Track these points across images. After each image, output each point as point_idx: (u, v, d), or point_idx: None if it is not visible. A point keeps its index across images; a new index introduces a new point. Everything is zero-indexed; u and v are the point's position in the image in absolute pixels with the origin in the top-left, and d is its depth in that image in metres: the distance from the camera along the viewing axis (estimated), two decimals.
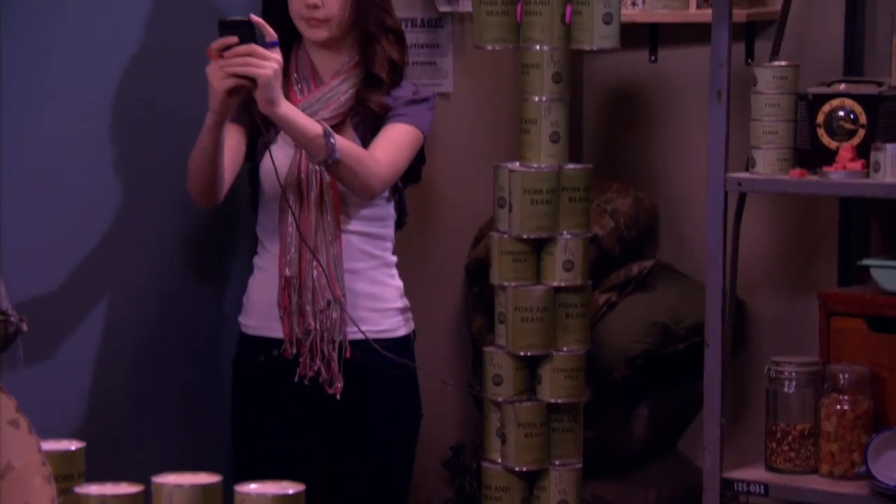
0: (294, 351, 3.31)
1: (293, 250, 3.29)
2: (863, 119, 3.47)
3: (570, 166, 3.51)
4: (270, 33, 3.12)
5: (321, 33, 3.31)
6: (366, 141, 3.32)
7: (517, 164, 3.50)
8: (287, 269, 3.29)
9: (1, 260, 3.04)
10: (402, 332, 3.41)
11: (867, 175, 3.42)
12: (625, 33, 3.50)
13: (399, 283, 3.43)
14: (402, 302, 3.43)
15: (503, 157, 3.58)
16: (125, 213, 3.37)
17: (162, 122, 3.44)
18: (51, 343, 3.25)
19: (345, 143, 3.22)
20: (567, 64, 3.47)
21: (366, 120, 3.33)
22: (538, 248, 3.50)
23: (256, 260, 3.42)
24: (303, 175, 3.29)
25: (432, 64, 3.53)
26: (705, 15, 3.71)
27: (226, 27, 3.06)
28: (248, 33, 3.04)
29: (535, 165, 3.48)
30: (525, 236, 3.48)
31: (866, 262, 3.63)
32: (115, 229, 3.35)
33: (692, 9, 3.98)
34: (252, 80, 3.06)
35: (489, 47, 3.47)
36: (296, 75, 3.34)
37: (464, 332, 4.05)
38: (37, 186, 3.21)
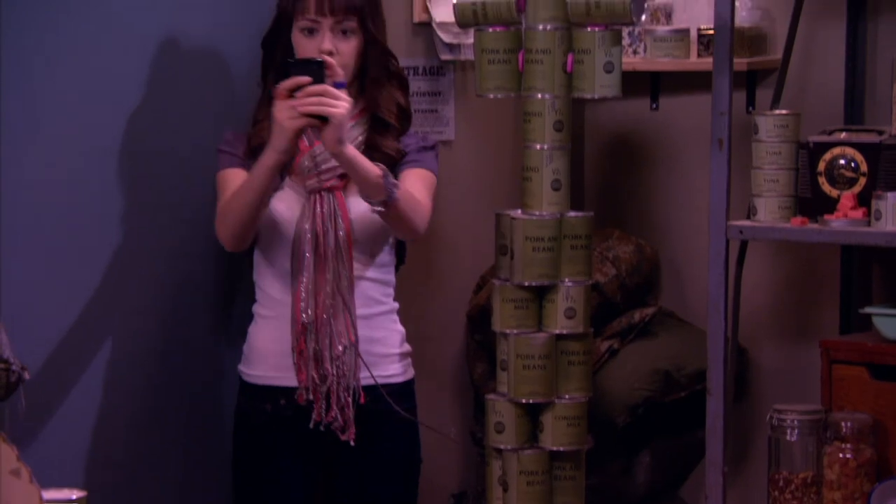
0: (310, 397, 3.29)
1: (309, 297, 3.27)
2: (864, 167, 3.48)
3: (572, 214, 3.51)
4: (339, 73, 3.13)
5: (331, 81, 3.28)
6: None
7: (519, 211, 3.51)
8: (304, 315, 3.27)
9: (2, 308, 3.04)
10: (405, 377, 3.42)
11: (868, 223, 3.43)
12: (626, 81, 3.51)
13: (402, 328, 3.44)
14: (405, 347, 3.44)
15: (505, 205, 3.58)
16: (123, 262, 3.37)
17: (161, 170, 3.46)
18: (52, 392, 3.25)
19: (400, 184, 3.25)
20: (568, 112, 3.49)
21: None
22: (540, 295, 3.50)
23: (258, 308, 3.41)
24: (318, 221, 3.28)
25: (434, 112, 3.55)
26: (706, 63, 3.72)
27: (295, 67, 3.07)
28: (319, 73, 3.06)
29: (537, 213, 3.48)
30: (527, 283, 3.48)
31: (868, 310, 3.63)
32: (113, 278, 3.36)
33: (693, 57, 3.99)
34: (321, 120, 3.07)
35: (491, 95, 3.48)
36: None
37: (465, 378, 4.05)
38: (37, 236, 3.22)
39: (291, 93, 3.09)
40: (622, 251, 4.04)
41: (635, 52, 4.07)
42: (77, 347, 3.30)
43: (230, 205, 3.23)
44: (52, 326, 3.27)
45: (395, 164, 3.35)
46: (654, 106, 4.17)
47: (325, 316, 3.27)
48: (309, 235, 3.27)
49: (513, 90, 3.50)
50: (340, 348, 3.27)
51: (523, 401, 3.47)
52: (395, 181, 3.22)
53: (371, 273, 3.35)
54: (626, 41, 4.06)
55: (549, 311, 3.50)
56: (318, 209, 3.27)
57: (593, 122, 4.26)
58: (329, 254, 3.28)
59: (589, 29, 3.44)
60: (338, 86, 3.12)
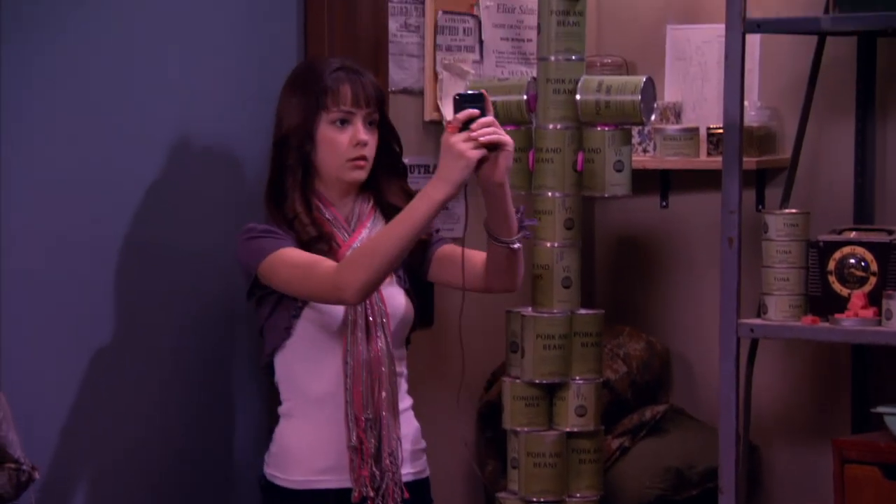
0: (370, 495, 3.20)
1: (368, 392, 3.20)
2: (874, 267, 3.49)
3: (583, 311, 3.52)
4: (490, 108, 3.12)
5: (363, 174, 3.27)
6: (411, 266, 3.30)
7: (529, 308, 3.51)
8: (366, 411, 3.19)
9: (13, 409, 3.04)
10: (426, 473, 3.37)
11: (879, 322, 3.43)
12: (636, 179, 3.53)
13: (417, 424, 3.40)
14: (423, 443, 3.39)
15: (516, 302, 3.59)
16: (124, 358, 3.38)
17: (169, 265, 3.47)
18: (61, 493, 3.24)
19: None
20: (579, 210, 3.50)
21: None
22: (551, 392, 3.50)
23: (290, 409, 3.27)
24: (368, 316, 3.22)
25: (445, 209, 3.55)
26: (716, 162, 3.74)
27: (464, 101, 3.08)
28: (483, 105, 3.07)
29: (548, 310, 3.49)
30: (538, 381, 3.48)
31: (880, 409, 3.63)
32: (118, 374, 3.36)
33: (702, 156, 4.01)
34: (489, 151, 3.06)
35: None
36: (329, 220, 3.26)
37: (476, 476, 4.03)
38: (40, 328, 3.23)
39: (464, 126, 3.07)
40: (633, 348, 4.04)
41: (645, 151, 4.10)
42: (84, 446, 3.30)
43: (374, 247, 3.09)
44: (59, 425, 3.26)
45: (425, 248, 3.31)
46: (664, 204, 4.19)
47: (384, 413, 3.22)
48: (361, 333, 3.21)
49: (523, 188, 3.52)
50: (395, 443, 3.23)
51: (534, 499, 3.46)
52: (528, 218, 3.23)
53: (399, 367, 3.31)
54: (635, 139, 4.08)
55: (560, 409, 3.49)
56: (367, 305, 3.21)
57: (604, 220, 4.27)
58: (379, 348, 3.22)
59: (599, 128, 3.47)
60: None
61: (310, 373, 3.24)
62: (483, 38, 4.01)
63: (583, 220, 3.54)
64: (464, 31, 3.97)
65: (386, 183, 3.32)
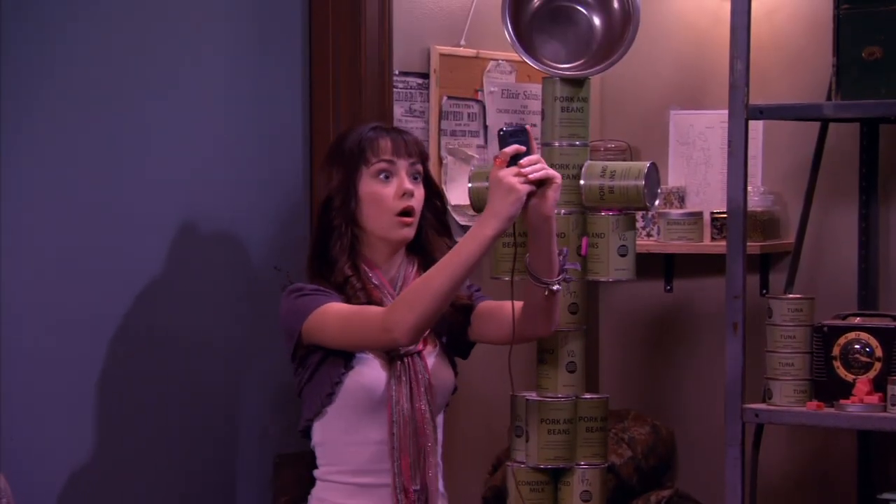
0: None
1: (415, 465, 3.14)
2: (879, 352, 3.48)
3: (587, 396, 3.51)
4: (534, 143, 3.10)
5: (411, 232, 3.21)
6: (454, 330, 3.25)
7: (534, 393, 3.51)
8: (414, 482, 3.14)
9: (1, 460, 3.04)
10: None
11: (884, 409, 3.42)
12: (640, 263, 3.54)
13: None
14: None
15: (520, 387, 3.58)
16: (126, 431, 3.38)
17: (174, 349, 3.47)
18: None
19: None
20: (584, 294, 3.51)
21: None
22: (555, 477, 3.49)
23: (326, 472, 3.19)
24: (413, 387, 3.16)
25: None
26: (720, 247, 3.75)
27: (508, 135, 3.06)
28: (529, 141, 3.06)
29: (552, 395, 3.48)
30: (542, 466, 3.47)
31: (886, 496, 3.61)
32: (117, 450, 3.36)
33: (706, 240, 4.02)
34: (536, 187, 3.03)
35: (505, 278, 3.51)
36: (376, 285, 3.19)
37: None
38: (41, 412, 3.24)
39: (511, 161, 3.03)
40: (638, 432, 4.03)
41: (649, 235, 4.11)
42: None
43: (424, 286, 3.01)
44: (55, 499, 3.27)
45: (468, 312, 3.25)
46: (669, 288, 4.19)
47: (431, 487, 3.16)
48: (406, 403, 3.14)
49: (527, 273, 3.52)
50: None
51: None
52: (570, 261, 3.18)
53: (439, 435, 3.25)
54: (639, 223, 4.09)
55: (565, 494, 3.48)
56: (411, 373, 3.16)
57: (608, 304, 4.27)
58: (425, 418, 3.16)
59: (603, 213, 3.48)
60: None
61: (351, 440, 3.17)
62: (487, 122, 4.03)
63: (587, 305, 3.54)
64: (468, 115, 4.00)
65: (432, 241, 3.24)
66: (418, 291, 3.02)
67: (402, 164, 3.18)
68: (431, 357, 3.21)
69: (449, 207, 3.90)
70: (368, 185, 3.17)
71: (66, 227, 3.27)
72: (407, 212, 3.18)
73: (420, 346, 3.18)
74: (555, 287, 3.14)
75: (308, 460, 3.25)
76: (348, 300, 3.14)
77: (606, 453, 3.53)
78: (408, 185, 3.17)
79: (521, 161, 3.04)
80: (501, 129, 3.08)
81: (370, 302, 3.14)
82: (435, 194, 3.26)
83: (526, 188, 3.02)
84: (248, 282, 3.60)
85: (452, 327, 3.26)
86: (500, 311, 3.24)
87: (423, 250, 3.24)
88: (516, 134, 3.07)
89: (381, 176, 3.17)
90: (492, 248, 3.07)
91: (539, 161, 3.05)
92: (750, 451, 3.69)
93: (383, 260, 3.20)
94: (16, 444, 3.16)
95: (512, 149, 3.04)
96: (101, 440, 3.33)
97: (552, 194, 3.06)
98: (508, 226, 3.02)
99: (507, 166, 3.03)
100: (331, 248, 3.17)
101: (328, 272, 3.17)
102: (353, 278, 3.15)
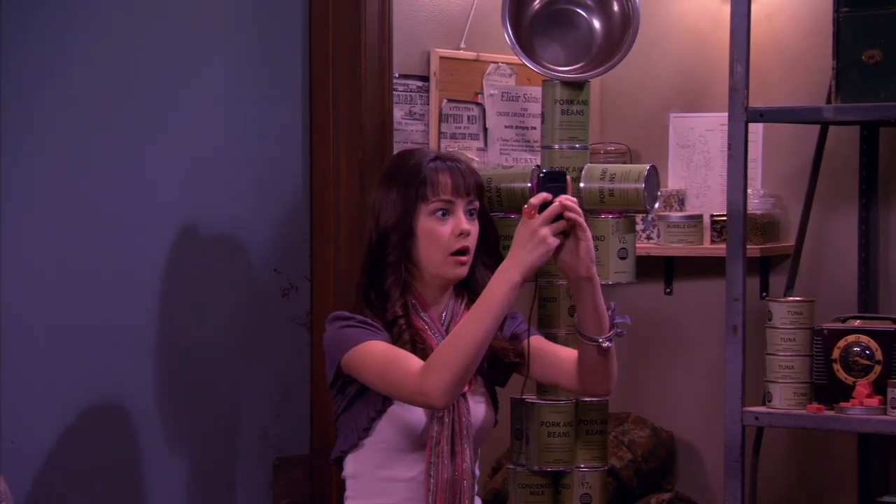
0: None
1: (450, 500, 3.04)
2: (879, 355, 3.48)
3: (587, 399, 3.51)
4: (570, 187, 2.98)
5: (465, 271, 3.13)
6: (494, 369, 3.17)
7: (534, 396, 3.51)
8: None
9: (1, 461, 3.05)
10: None
11: (884, 411, 3.42)
12: (640, 266, 3.54)
13: None
14: None
15: (521, 390, 3.57)
16: (127, 441, 3.39)
17: (177, 358, 3.47)
18: None
19: None
20: None
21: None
22: (555, 480, 3.49)
23: None
24: (455, 427, 3.06)
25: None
26: (719, 249, 3.75)
27: (548, 180, 2.93)
28: (565, 188, 2.92)
29: (553, 398, 3.48)
30: (542, 469, 3.47)
31: (886, 498, 3.61)
32: (117, 461, 3.37)
33: (706, 243, 4.02)
34: (565, 236, 2.92)
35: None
36: (426, 322, 3.12)
37: None
38: (40, 419, 3.24)
39: (540, 210, 2.89)
40: (638, 435, 4.03)
41: (649, 238, 4.11)
42: None
43: (455, 344, 2.92)
44: None
45: (515, 342, 3.16)
46: (668, 290, 4.19)
47: None
48: (446, 446, 3.05)
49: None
50: None
51: None
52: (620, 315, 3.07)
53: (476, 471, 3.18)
54: (639, 227, 4.10)
55: (565, 497, 3.48)
56: (455, 415, 3.07)
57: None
58: (465, 466, 3.06)
59: (603, 216, 3.48)
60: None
61: (384, 476, 3.09)
62: (487, 125, 4.03)
63: None
64: (468, 118, 4.00)
65: (481, 276, 3.14)
66: (451, 350, 2.93)
67: (461, 203, 3.11)
68: (476, 397, 3.13)
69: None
70: (425, 222, 3.11)
71: (66, 227, 3.28)
72: (462, 251, 3.11)
73: (466, 388, 3.10)
74: (604, 344, 3.04)
75: (307, 462, 3.25)
76: (393, 339, 3.07)
77: (606, 456, 3.53)
78: (465, 224, 3.11)
79: (546, 211, 2.89)
80: (541, 173, 2.96)
81: (414, 345, 3.06)
82: (490, 229, 3.20)
83: (555, 242, 2.90)
84: (249, 283, 3.60)
85: (493, 360, 3.16)
86: (552, 355, 3.15)
87: (471, 285, 3.17)
88: (554, 178, 2.95)
89: (439, 213, 3.11)
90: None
91: (574, 202, 2.92)
92: (750, 453, 3.69)
93: (434, 297, 3.14)
94: (16, 445, 3.16)
95: (539, 198, 2.91)
96: (101, 442, 3.33)
97: (584, 254, 2.94)
98: (534, 273, 2.93)
99: (539, 214, 2.90)
100: (384, 281, 3.11)
101: (380, 306, 3.10)
102: (401, 319, 3.09)
